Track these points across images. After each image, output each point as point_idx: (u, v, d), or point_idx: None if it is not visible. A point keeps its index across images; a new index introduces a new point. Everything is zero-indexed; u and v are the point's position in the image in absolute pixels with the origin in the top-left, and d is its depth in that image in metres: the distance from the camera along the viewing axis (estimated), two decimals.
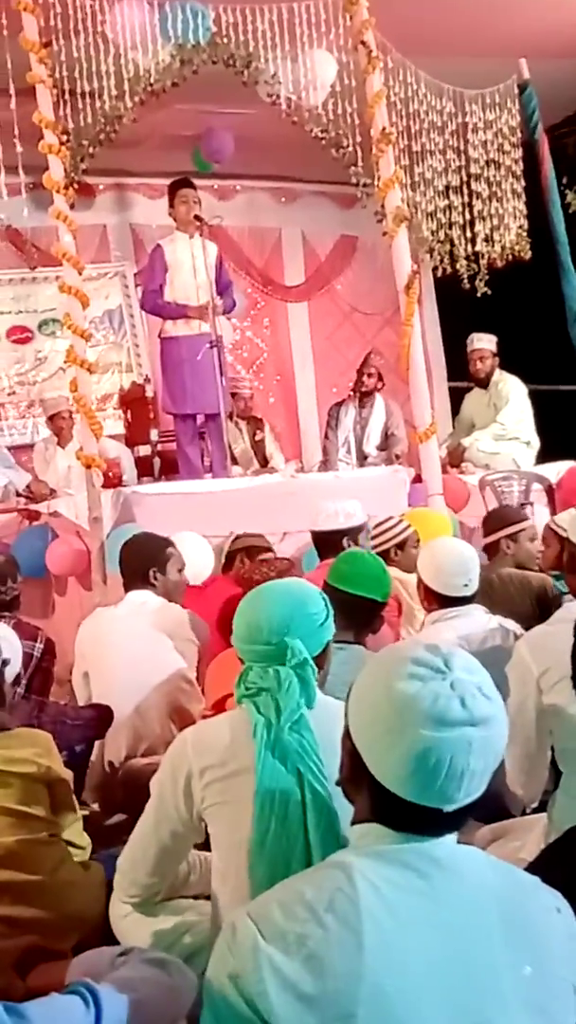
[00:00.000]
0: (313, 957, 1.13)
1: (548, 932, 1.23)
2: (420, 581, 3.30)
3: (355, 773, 1.30)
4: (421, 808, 1.23)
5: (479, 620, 3.19)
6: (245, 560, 4.34)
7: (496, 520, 4.40)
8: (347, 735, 1.32)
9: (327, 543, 4.05)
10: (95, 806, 3.29)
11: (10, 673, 2.94)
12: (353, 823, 1.33)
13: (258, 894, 1.49)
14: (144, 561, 3.63)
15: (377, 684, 1.28)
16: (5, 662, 2.56)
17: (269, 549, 4.46)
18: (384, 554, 4.21)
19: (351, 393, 6.95)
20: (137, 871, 2.05)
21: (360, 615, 2.89)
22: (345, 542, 3.95)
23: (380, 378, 6.84)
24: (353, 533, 4.05)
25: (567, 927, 1.26)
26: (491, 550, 4.27)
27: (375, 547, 4.26)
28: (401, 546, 4.28)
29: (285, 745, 1.81)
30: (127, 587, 3.65)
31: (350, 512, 4.10)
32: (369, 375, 6.82)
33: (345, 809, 1.44)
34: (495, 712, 1.26)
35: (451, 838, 1.29)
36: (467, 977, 1.16)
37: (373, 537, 4.29)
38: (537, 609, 3.71)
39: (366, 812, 1.30)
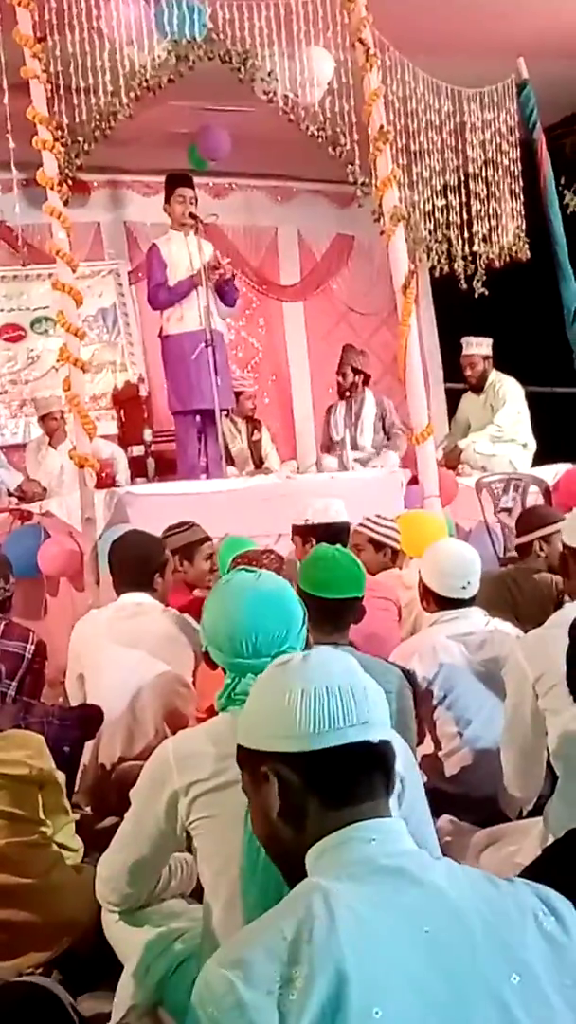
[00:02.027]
0: (301, 992, 1.09)
1: (530, 936, 1.20)
2: (421, 582, 3.28)
3: (282, 789, 1.29)
4: (352, 747, 1.26)
5: (477, 622, 3.18)
6: (184, 562, 4.10)
7: (531, 520, 4.33)
8: (250, 758, 1.33)
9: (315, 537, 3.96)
10: (87, 809, 3.25)
11: None
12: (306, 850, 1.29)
13: (252, 917, 1.46)
14: (146, 563, 3.54)
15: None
16: None
17: (207, 539, 4.19)
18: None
19: (338, 395, 6.97)
20: (117, 880, 2.02)
21: (345, 616, 2.85)
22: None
23: (359, 372, 6.83)
24: (342, 529, 3.98)
25: (556, 929, 1.22)
26: (524, 551, 4.25)
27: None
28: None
29: None
30: (122, 589, 3.56)
31: (338, 508, 4.05)
32: (344, 374, 6.83)
33: None
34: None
35: (399, 824, 1.27)
36: (453, 991, 1.13)
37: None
38: None
39: (316, 820, 1.27)
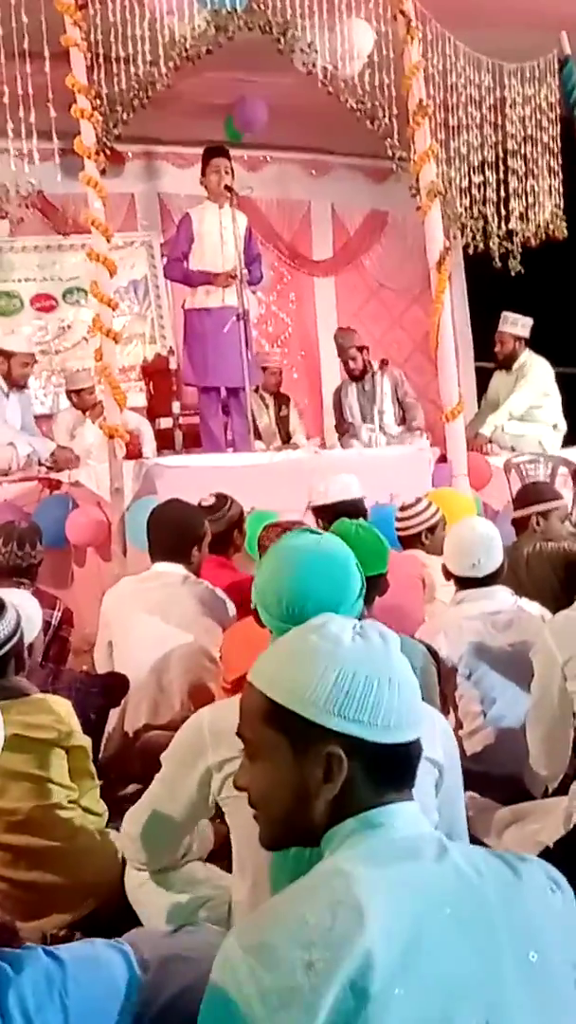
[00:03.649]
0: (320, 978, 1.09)
1: (546, 912, 1.22)
2: (443, 563, 3.30)
3: (302, 755, 1.25)
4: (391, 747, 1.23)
5: (505, 601, 3.17)
6: (239, 536, 4.08)
7: (529, 495, 4.35)
8: (304, 729, 1.25)
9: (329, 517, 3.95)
10: (111, 775, 3.28)
11: (27, 639, 2.94)
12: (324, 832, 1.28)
13: None
14: (184, 534, 3.53)
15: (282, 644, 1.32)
16: (16, 628, 2.52)
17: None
18: (415, 537, 4.21)
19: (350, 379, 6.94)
20: (143, 840, 2.02)
21: (370, 592, 2.84)
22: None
23: (363, 349, 6.77)
24: (356, 505, 3.95)
25: (563, 905, 1.24)
26: (520, 525, 4.24)
27: (405, 529, 4.24)
28: (432, 529, 4.24)
29: None
30: (157, 558, 3.53)
31: (347, 483, 4.03)
32: (352, 357, 6.78)
33: None
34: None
35: (416, 808, 1.27)
36: (476, 971, 1.14)
37: (404, 519, 4.26)
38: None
39: (338, 803, 1.25)
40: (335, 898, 1.14)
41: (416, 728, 1.26)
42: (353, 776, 1.24)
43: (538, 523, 4.15)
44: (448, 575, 3.31)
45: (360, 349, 6.83)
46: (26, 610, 2.91)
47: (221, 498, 4.05)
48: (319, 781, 1.24)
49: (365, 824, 1.24)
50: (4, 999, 1.19)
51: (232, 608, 3.51)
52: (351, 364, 6.85)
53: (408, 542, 4.24)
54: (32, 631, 2.97)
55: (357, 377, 6.87)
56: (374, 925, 1.11)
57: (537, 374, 6.61)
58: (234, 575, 3.89)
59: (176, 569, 3.48)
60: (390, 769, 1.26)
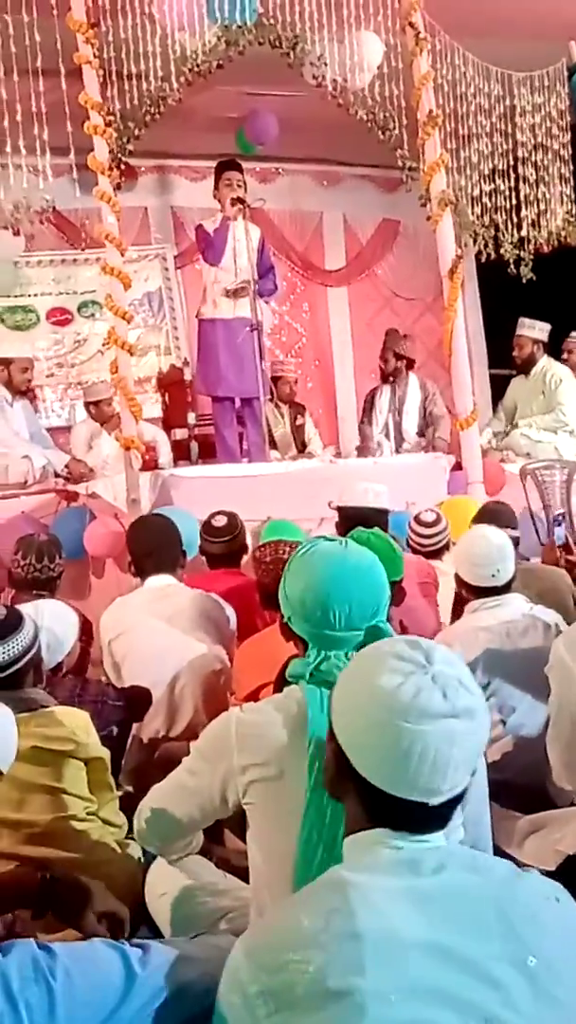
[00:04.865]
0: (315, 980, 1.13)
1: (547, 920, 1.23)
2: (456, 572, 3.28)
3: (341, 773, 1.32)
4: (407, 803, 1.25)
5: (519, 608, 3.16)
6: None
7: None
8: (331, 735, 1.34)
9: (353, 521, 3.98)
10: (130, 788, 3.30)
11: (64, 650, 2.97)
12: (346, 835, 1.34)
13: None
14: (171, 545, 3.58)
15: (360, 680, 1.30)
16: (34, 641, 2.54)
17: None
18: (434, 554, 4.27)
19: (381, 380, 6.95)
20: (157, 825, 2.03)
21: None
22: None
23: (401, 358, 6.79)
24: (381, 515, 3.98)
25: (568, 914, 1.26)
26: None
27: (428, 546, 4.26)
28: (447, 546, 4.29)
29: None
30: (147, 571, 3.54)
31: (378, 492, 4.06)
32: (386, 359, 6.80)
33: None
34: (476, 704, 1.28)
35: (439, 838, 1.29)
36: (470, 977, 1.16)
37: (426, 536, 4.28)
38: None
39: (356, 816, 1.32)
40: (331, 905, 1.18)
41: (432, 799, 1.25)
42: (362, 797, 1.29)
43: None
44: (461, 583, 3.28)
45: (399, 357, 6.83)
46: (64, 621, 2.98)
47: (232, 519, 4.11)
48: (335, 781, 1.34)
49: (374, 840, 1.28)
50: None
51: (233, 616, 3.53)
52: (383, 365, 6.87)
53: (427, 556, 4.30)
54: (69, 643, 3.00)
55: (386, 379, 6.89)
56: (367, 933, 1.14)
57: (565, 390, 6.60)
58: (245, 580, 3.94)
59: (169, 580, 3.52)
60: (396, 816, 1.27)
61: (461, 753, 1.25)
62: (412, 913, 1.18)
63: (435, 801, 1.25)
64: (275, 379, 6.82)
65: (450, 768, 1.24)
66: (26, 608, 2.93)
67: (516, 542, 3.59)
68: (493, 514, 4.13)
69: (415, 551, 4.35)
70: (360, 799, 1.30)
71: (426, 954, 1.15)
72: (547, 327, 6.72)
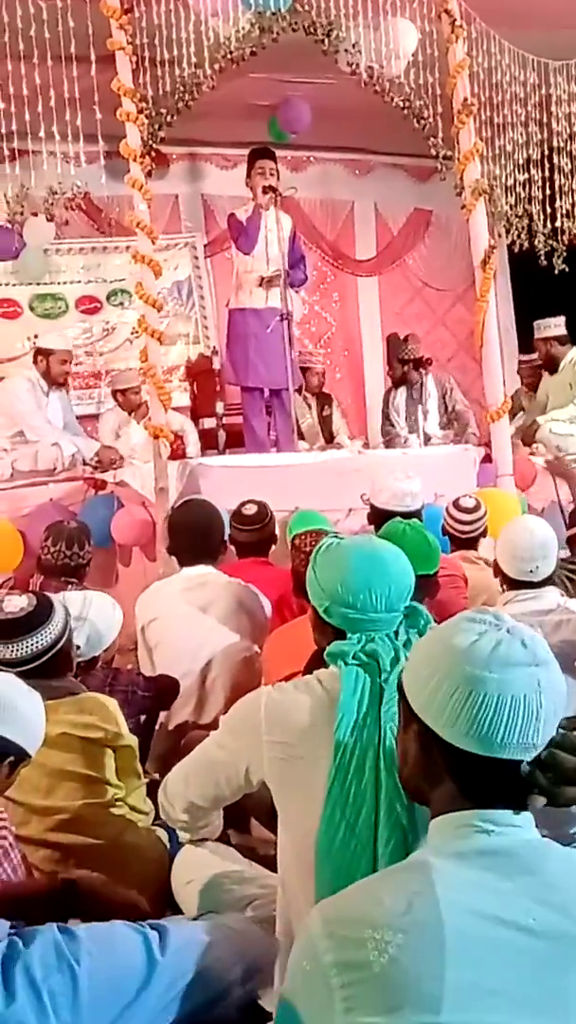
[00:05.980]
0: (395, 961, 1.11)
1: None
2: (496, 560, 3.25)
3: (426, 755, 1.29)
4: (502, 767, 1.22)
5: (553, 600, 3.12)
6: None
7: None
8: (407, 720, 1.32)
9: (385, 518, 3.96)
10: (156, 775, 3.30)
11: (107, 640, 2.98)
12: (432, 817, 1.31)
13: (323, 895, 1.50)
14: (211, 534, 3.58)
15: (436, 645, 1.30)
16: (65, 629, 2.55)
17: None
18: (474, 539, 4.25)
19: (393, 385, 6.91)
20: (186, 796, 2.07)
21: (418, 593, 2.84)
22: None
23: (406, 363, 6.74)
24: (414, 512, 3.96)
25: None
26: (574, 543, 4.19)
27: (468, 532, 4.24)
28: (485, 532, 4.27)
29: (370, 735, 1.74)
30: (185, 561, 3.56)
31: (414, 493, 4.03)
32: (393, 367, 6.75)
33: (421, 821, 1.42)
34: (553, 658, 1.28)
35: (529, 821, 1.26)
36: (553, 977, 1.13)
37: (467, 522, 4.26)
38: None
39: (445, 798, 1.28)
40: (414, 888, 1.17)
41: (515, 753, 1.23)
42: (442, 769, 1.27)
43: None
44: (499, 572, 3.24)
45: (404, 363, 6.78)
46: (110, 618, 3.02)
47: (263, 508, 4.10)
48: (414, 757, 1.31)
49: (461, 823, 1.25)
50: (11, 970, 1.23)
51: (268, 606, 3.52)
52: (406, 370, 6.82)
53: (465, 543, 4.24)
54: (109, 639, 3.01)
55: (398, 383, 6.85)
56: (449, 922, 1.13)
57: None
58: (274, 570, 3.94)
59: (207, 570, 3.51)
60: (480, 782, 1.25)
61: (549, 703, 1.22)
62: (498, 909, 1.15)
63: (529, 756, 1.22)
64: (303, 369, 6.80)
65: (541, 718, 1.22)
66: (74, 596, 2.96)
67: None
68: None
69: (452, 538, 4.32)
70: (452, 775, 1.26)
71: (510, 952, 1.13)
72: (561, 320, 6.68)
